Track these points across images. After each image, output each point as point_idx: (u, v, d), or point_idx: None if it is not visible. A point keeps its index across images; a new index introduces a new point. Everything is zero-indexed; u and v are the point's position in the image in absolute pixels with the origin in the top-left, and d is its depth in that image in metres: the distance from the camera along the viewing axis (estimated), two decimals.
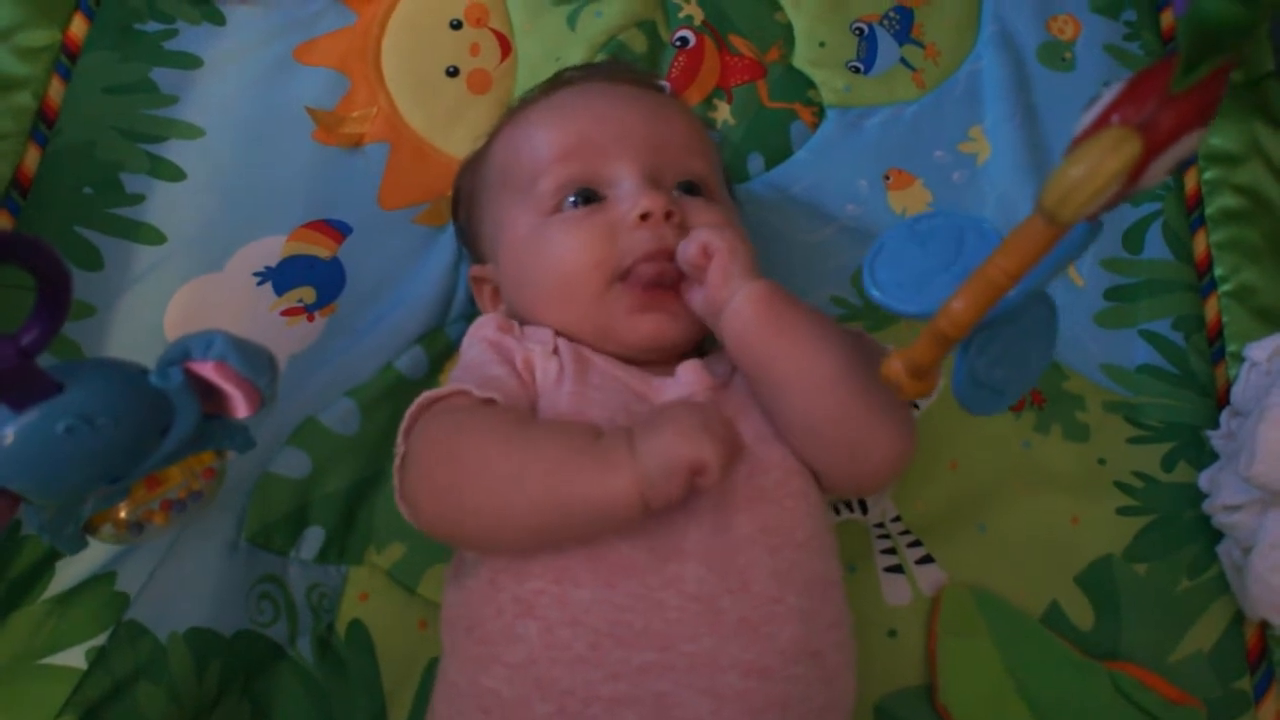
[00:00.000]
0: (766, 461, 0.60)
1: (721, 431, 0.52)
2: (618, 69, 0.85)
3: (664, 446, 0.51)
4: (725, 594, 0.55)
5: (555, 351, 0.64)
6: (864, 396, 0.59)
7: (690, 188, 0.69)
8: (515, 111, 0.77)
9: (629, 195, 0.66)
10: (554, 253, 0.66)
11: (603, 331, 0.65)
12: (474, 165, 0.78)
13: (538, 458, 0.54)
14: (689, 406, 0.54)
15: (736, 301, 0.61)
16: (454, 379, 0.64)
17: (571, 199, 0.67)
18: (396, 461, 0.61)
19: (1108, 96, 0.42)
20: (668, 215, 0.64)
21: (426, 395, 0.61)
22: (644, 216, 0.64)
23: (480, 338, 0.66)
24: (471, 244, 0.79)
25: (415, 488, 0.59)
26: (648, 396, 0.63)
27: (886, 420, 0.60)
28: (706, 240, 0.61)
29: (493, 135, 0.78)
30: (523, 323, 0.68)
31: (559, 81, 0.78)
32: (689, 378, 0.63)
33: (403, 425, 0.61)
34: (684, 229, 0.65)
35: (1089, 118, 0.43)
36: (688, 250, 0.62)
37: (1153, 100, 0.40)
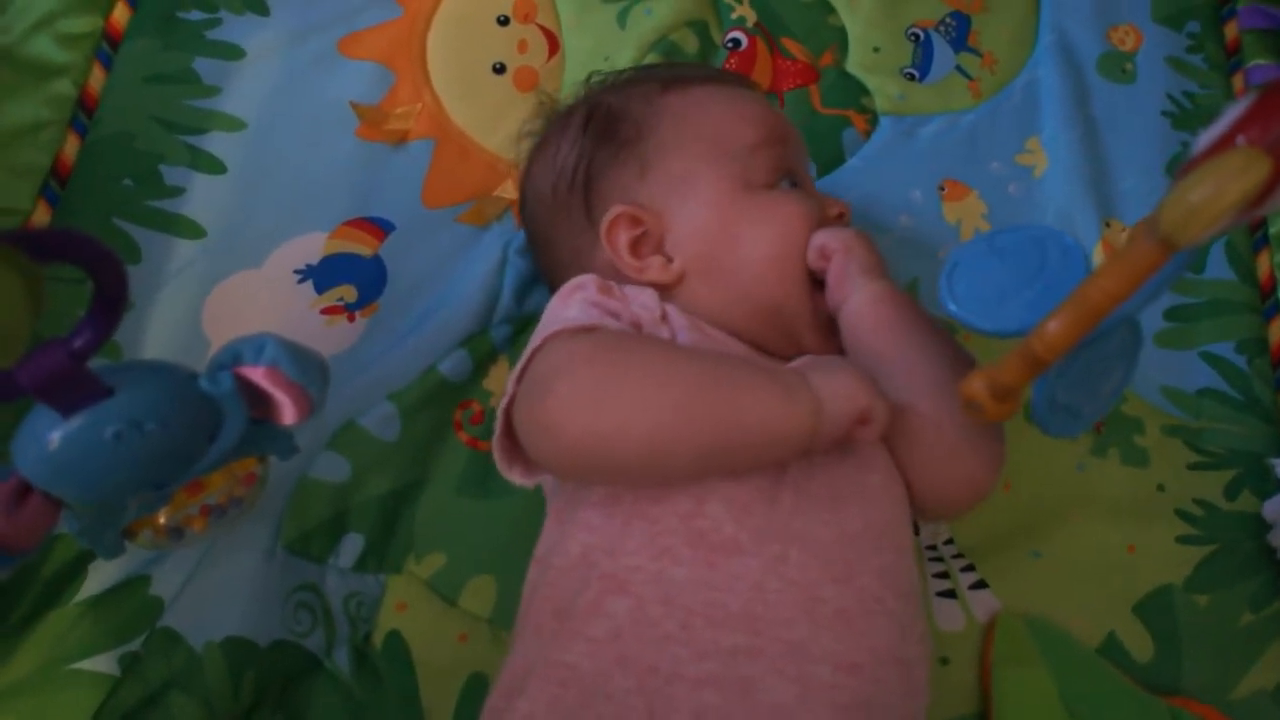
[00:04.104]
0: (873, 461, 0.59)
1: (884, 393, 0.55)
2: (740, 77, 0.86)
3: (844, 387, 0.53)
4: (829, 583, 0.53)
5: (664, 319, 0.62)
6: (958, 414, 0.57)
7: None
8: (680, 83, 0.72)
9: (814, 193, 0.70)
10: (789, 220, 0.66)
11: (788, 326, 0.65)
12: (610, 119, 0.71)
13: (719, 376, 0.54)
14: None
15: (853, 302, 0.63)
16: (545, 331, 0.59)
17: (786, 181, 0.68)
18: (504, 403, 0.58)
19: (1230, 116, 0.40)
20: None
21: (557, 329, 0.57)
22: (839, 215, 0.69)
23: (581, 298, 0.61)
24: (601, 182, 0.70)
25: (564, 409, 0.52)
26: None
27: (977, 445, 0.59)
28: (823, 242, 0.64)
29: (643, 95, 0.72)
30: (657, 286, 0.65)
31: (713, 69, 0.81)
32: None
33: (520, 363, 0.57)
34: None
35: (1208, 138, 0.41)
36: (809, 253, 0.65)
37: None
